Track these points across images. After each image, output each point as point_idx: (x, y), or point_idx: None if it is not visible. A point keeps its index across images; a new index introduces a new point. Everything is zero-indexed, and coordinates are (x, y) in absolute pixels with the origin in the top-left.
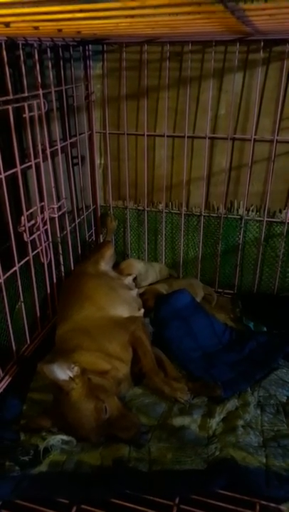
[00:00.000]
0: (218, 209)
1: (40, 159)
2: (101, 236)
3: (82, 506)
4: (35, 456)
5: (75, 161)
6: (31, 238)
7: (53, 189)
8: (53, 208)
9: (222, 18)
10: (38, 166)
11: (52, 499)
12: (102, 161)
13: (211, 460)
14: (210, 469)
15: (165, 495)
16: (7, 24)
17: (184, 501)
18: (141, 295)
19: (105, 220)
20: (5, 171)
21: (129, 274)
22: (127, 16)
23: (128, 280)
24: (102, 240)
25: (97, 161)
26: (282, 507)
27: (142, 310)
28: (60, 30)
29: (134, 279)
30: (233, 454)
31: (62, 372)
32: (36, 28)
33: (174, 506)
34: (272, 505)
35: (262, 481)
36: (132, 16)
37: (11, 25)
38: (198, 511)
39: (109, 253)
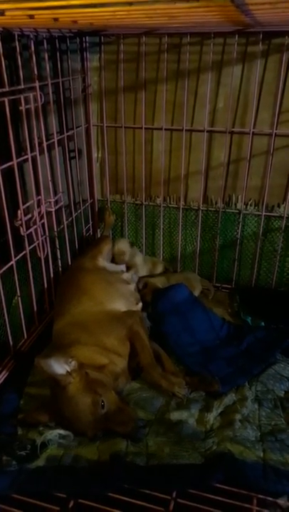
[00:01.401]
0: (216, 203)
1: (37, 152)
2: (99, 230)
3: (80, 500)
4: (33, 450)
5: (72, 154)
6: (28, 232)
7: (50, 183)
8: (50, 202)
9: (221, 7)
10: (34, 159)
11: (49, 493)
12: (100, 155)
13: (209, 454)
14: (207, 463)
15: (162, 489)
16: (2, 12)
17: (181, 495)
18: (138, 289)
19: (103, 215)
20: (1, 164)
21: (123, 253)
22: (124, 3)
23: (127, 275)
24: (99, 235)
25: (95, 155)
26: (280, 501)
27: (140, 304)
28: (56, 20)
29: (132, 247)
30: (230, 448)
31: (59, 367)
32: (31, 16)
33: (171, 500)
34: (270, 499)
35: (259, 475)
36: (130, 3)
37: (6, 13)
38: (196, 505)
39: (107, 248)
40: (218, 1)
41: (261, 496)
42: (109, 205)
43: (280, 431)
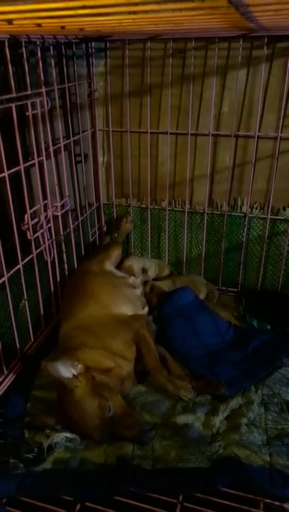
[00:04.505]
0: (221, 207)
1: (44, 157)
2: (108, 236)
3: (86, 504)
4: (39, 453)
5: (78, 158)
6: (35, 236)
7: (56, 187)
8: (56, 206)
9: (226, 14)
10: (41, 164)
11: (56, 496)
12: (105, 159)
13: (215, 458)
14: (213, 467)
15: (169, 493)
16: (10, 21)
17: (187, 499)
18: (145, 293)
19: (120, 221)
20: (8, 169)
21: (132, 274)
22: (130, 12)
23: (132, 279)
24: (107, 240)
25: (100, 159)
26: (286, 505)
27: (146, 308)
28: (63, 27)
29: (144, 272)
30: (236, 452)
31: (66, 370)
32: (39, 25)
33: (178, 504)
34: (276, 503)
35: (265, 479)
36: (135, 12)
37: (14, 22)
38: (202, 509)
39: (116, 253)
40: (222, 8)
41: (268, 501)
42: (114, 209)
43: (287, 435)
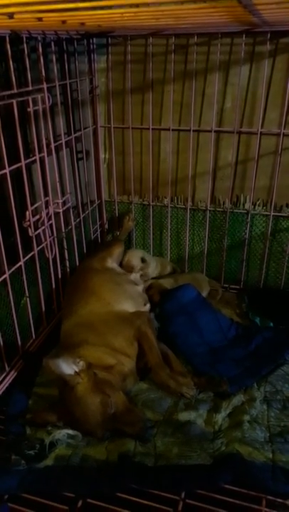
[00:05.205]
0: (224, 203)
1: (45, 154)
2: (110, 234)
3: (88, 500)
4: (41, 450)
5: (79, 155)
6: (36, 233)
7: (58, 184)
8: (58, 203)
9: (229, 7)
10: (42, 161)
11: (58, 493)
12: (107, 156)
13: (217, 455)
14: (216, 464)
15: (171, 489)
16: (11, 15)
17: (189, 496)
18: (146, 290)
19: (122, 219)
20: (9, 166)
21: (132, 267)
22: (131, 5)
23: (134, 275)
24: (109, 237)
25: (102, 156)
26: None
27: (148, 305)
28: (64, 22)
29: (144, 262)
30: (239, 449)
31: (67, 367)
32: (40, 19)
33: (180, 501)
34: (279, 500)
35: (268, 476)
36: (137, 5)
37: (15, 16)
38: (204, 506)
39: (118, 251)
40: (224, 1)
41: (270, 497)
42: (116, 206)
43: None
